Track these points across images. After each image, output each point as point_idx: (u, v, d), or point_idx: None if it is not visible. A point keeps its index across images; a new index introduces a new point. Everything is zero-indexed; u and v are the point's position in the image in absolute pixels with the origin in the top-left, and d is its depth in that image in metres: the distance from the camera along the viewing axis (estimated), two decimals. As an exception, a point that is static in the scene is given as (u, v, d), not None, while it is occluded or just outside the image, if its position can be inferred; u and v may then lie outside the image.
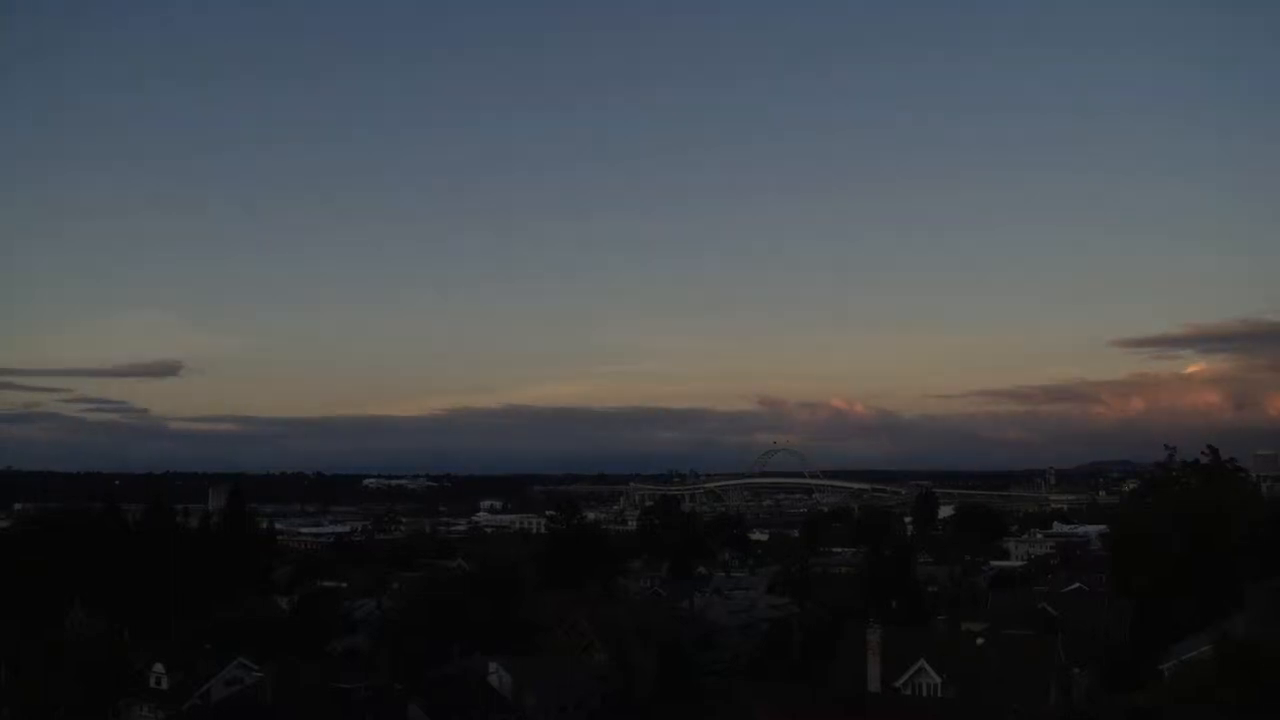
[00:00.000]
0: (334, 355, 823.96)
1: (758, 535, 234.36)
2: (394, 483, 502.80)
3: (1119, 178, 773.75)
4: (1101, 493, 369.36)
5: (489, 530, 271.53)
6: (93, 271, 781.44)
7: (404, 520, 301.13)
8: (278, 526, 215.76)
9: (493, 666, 60.47)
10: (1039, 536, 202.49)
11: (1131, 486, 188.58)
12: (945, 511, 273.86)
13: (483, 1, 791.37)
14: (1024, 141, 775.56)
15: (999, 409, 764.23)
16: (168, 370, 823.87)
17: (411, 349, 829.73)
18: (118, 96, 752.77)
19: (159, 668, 65.02)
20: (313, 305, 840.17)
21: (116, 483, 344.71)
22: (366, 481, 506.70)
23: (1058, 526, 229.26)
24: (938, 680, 50.48)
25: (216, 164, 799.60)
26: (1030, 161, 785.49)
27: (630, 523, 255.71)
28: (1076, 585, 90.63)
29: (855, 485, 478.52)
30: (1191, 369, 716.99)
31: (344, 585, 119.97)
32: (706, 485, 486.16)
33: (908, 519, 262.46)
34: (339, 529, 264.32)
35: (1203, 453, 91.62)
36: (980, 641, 55.26)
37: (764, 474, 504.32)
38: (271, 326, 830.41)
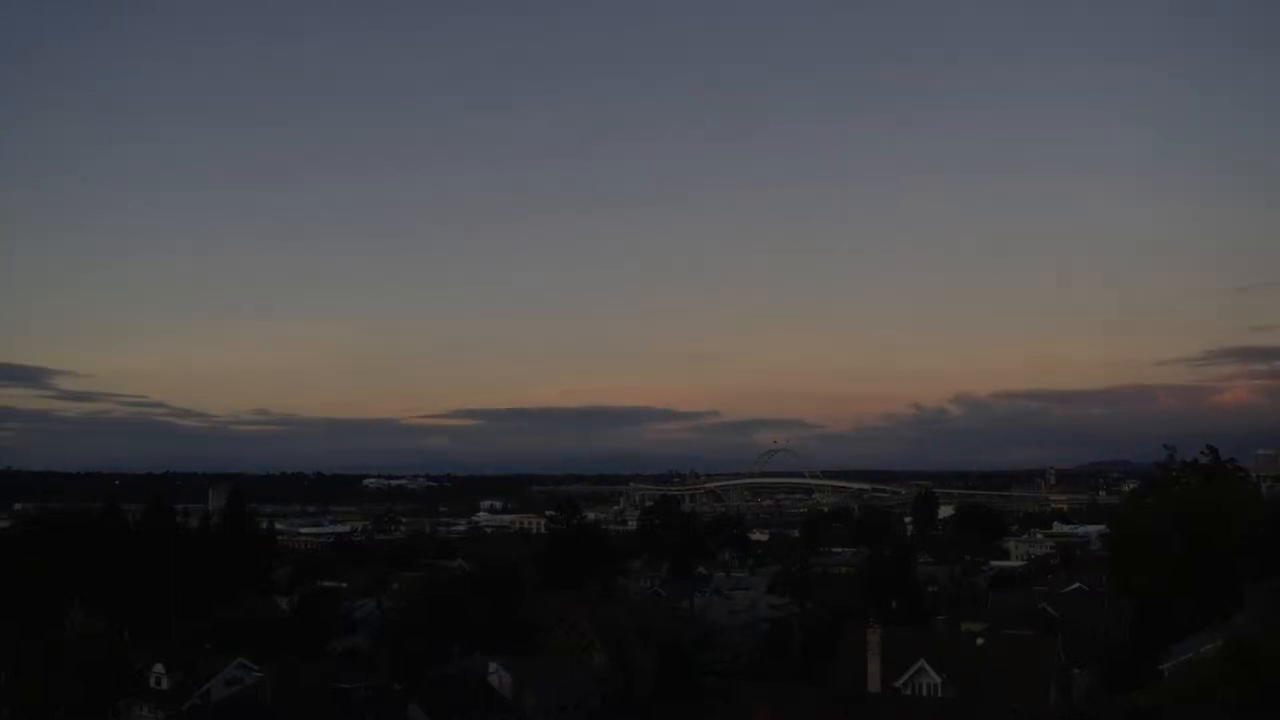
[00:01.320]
0: (336, 355, 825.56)
1: (758, 535, 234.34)
2: (394, 483, 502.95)
3: (1106, 187, 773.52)
4: (1101, 493, 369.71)
5: (489, 530, 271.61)
6: (93, 274, 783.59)
7: (404, 520, 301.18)
8: (278, 526, 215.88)
9: (493, 666, 60.42)
10: (1039, 536, 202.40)
11: (1131, 486, 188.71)
12: (945, 511, 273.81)
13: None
14: (1025, 146, 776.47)
15: (1000, 410, 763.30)
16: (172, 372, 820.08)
17: (412, 349, 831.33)
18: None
19: (159, 668, 65.00)
20: (315, 305, 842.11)
21: (116, 483, 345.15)
22: (366, 481, 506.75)
23: (1058, 526, 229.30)
24: (938, 680, 50.45)
25: (206, 163, 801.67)
26: (1019, 166, 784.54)
27: (630, 523, 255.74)
28: (1076, 585, 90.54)
29: (855, 485, 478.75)
30: (1190, 378, 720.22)
31: (344, 585, 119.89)
32: (706, 485, 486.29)
33: (908, 519, 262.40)
34: (339, 529, 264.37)
35: (1202, 453, 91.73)
36: (980, 641, 55.21)
37: (764, 474, 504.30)
38: (275, 327, 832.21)
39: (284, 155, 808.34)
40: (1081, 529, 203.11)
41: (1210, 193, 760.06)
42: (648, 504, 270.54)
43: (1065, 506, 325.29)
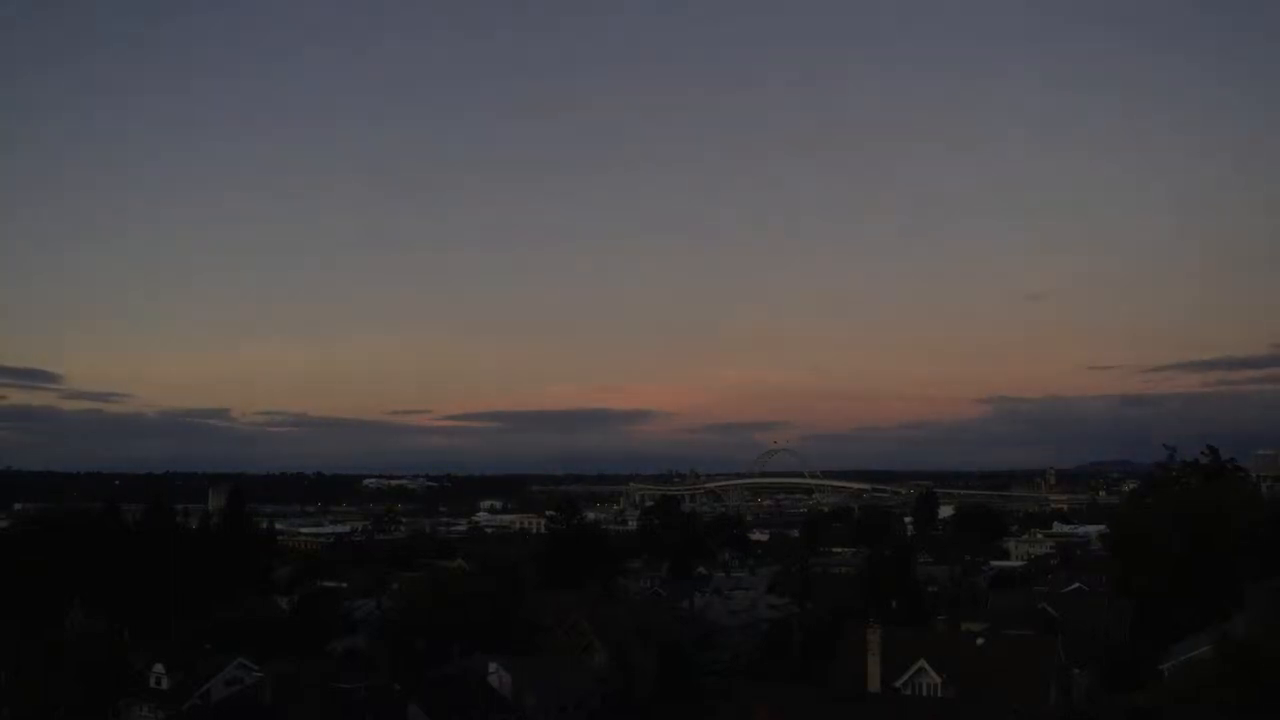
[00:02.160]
0: (336, 357, 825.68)
1: (758, 535, 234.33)
2: (394, 483, 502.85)
3: (1107, 194, 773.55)
4: (1101, 493, 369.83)
5: (489, 530, 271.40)
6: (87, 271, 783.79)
7: (404, 520, 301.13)
8: (278, 526, 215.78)
9: (493, 666, 60.40)
10: (1039, 536, 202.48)
11: (1131, 486, 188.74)
12: (945, 511, 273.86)
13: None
14: (1030, 152, 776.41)
15: (1001, 410, 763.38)
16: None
17: (413, 350, 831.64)
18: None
19: (159, 668, 64.95)
20: (314, 307, 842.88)
21: (116, 483, 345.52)
22: (366, 481, 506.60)
23: (1058, 526, 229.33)
24: (938, 680, 50.42)
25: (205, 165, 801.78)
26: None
27: (630, 523, 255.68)
28: (1076, 585, 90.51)
29: (855, 485, 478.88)
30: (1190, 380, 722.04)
31: (344, 585, 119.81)
32: (706, 485, 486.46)
33: (908, 519, 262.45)
34: (339, 529, 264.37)
35: (1202, 453, 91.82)
36: (980, 641, 55.19)
37: (764, 474, 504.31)
38: (275, 329, 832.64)
39: (280, 158, 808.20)
40: (1081, 529, 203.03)
41: (1211, 202, 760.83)
42: (648, 504, 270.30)
43: (1065, 506, 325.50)
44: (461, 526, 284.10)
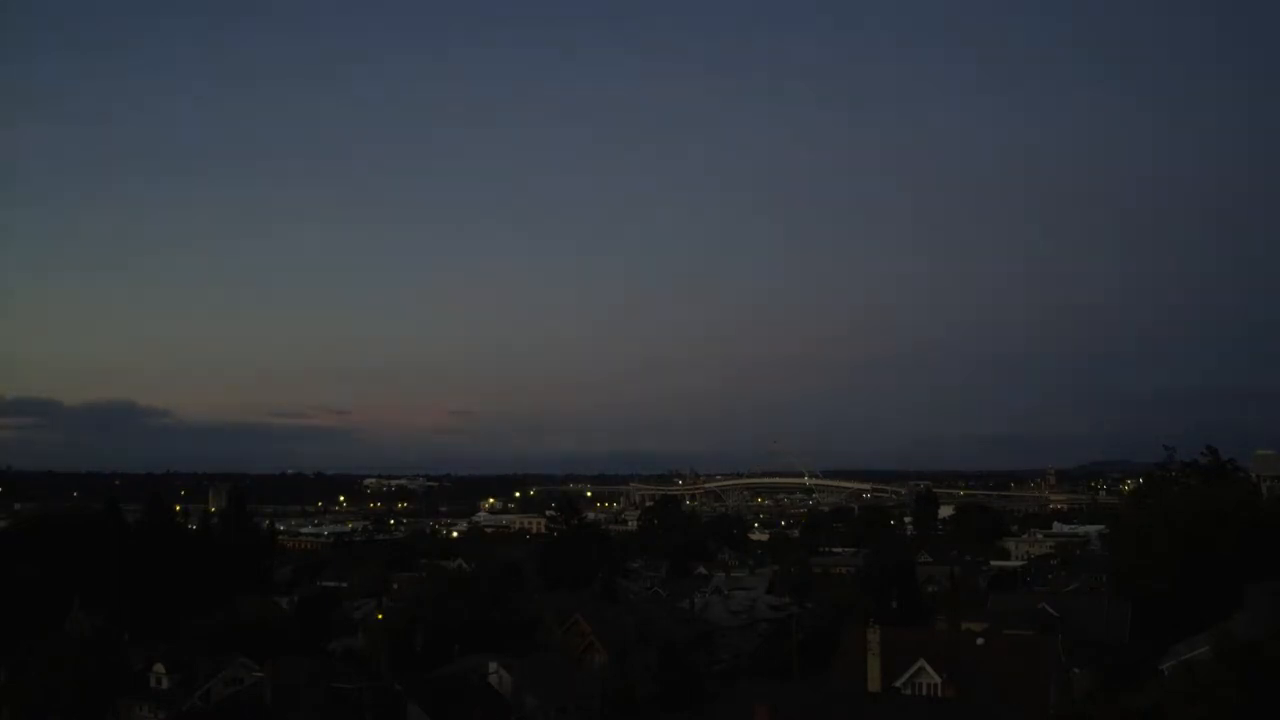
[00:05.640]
0: (337, 356, 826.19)
1: (758, 535, 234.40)
2: (394, 483, 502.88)
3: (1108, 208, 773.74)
4: (1102, 493, 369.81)
5: (489, 530, 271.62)
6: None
7: (404, 520, 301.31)
8: (278, 526, 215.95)
9: (493, 666, 60.48)
10: (1039, 536, 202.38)
11: (1131, 486, 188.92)
12: (945, 511, 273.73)
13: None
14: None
15: (995, 409, 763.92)
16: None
17: (413, 350, 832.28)
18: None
19: (159, 668, 65.10)
20: (315, 307, 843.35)
21: (116, 483, 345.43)
22: (366, 481, 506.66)
23: (1058, 526, 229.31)
24: (938, 680, 50.33)
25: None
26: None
27: (630, 523, 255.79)
28: (1076, 585, 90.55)
29: (855, 485, 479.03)
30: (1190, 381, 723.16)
31: (344, 585, 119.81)
32: (706, 485, 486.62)
33: (908, 519, 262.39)
34: (339, 529, 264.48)
35: (1202, 453, 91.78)
36: (980, 641, 55.12)
37: (764, 474, 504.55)
38: (276, 328, 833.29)
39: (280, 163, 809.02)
40: (1081, 529, 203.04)
41: (1213, 216, 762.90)
42: (648, 504, 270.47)
43: (1065, 506, 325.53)
44: (462, 526, 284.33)
